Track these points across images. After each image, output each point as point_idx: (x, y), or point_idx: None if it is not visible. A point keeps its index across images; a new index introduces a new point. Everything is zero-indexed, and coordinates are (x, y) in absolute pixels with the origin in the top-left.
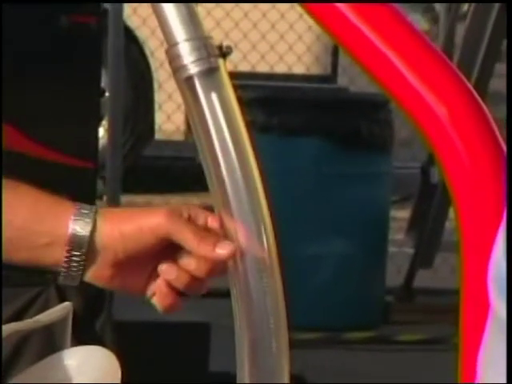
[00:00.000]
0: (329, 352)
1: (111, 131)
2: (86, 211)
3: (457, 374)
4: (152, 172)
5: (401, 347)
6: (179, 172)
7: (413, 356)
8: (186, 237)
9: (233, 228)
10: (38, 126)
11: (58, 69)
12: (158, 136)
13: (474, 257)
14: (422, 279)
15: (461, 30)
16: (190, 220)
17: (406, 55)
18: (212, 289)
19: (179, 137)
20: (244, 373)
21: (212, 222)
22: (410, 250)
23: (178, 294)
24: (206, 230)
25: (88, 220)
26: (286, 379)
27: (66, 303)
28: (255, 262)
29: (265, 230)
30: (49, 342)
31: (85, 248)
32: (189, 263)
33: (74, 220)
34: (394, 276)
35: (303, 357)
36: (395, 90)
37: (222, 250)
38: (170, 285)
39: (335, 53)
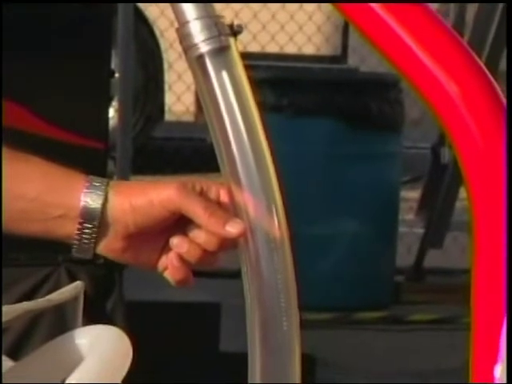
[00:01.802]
0: (339, 332)
1: (121, 112)
2: (97, 184)
3: (468, 353)
4: (162, 153)
5: (411, 327)
6: (189, 153)
7: (423, 336)
8: (196, 211)
9: (244, 205)
10: (48, 106)
11: (68, 50)
12: (167, 117)
13: (486, 236)
14: (432, 259)
15: (471, 8)
16: (202, 193)
17: (418, 33)
18: (222, 269)
19: (189, 118)
20: (255, 351)
21: (224, 196)
22: (420, 230)
23: (190, 267)
24: (218, 204)
25: (100, 193)
26: (297, 357)
27: (78, 282)
28: (266, 240)
29: (276, 209)
30: (60, 321)
31: (97, 220)
32: (200, 237)
33: (86, 192)
34: (405, 256)
35: (313, 337)
36: (406, 68)
37: (232, 228)
38: (181, 258)
39: (345, 33)
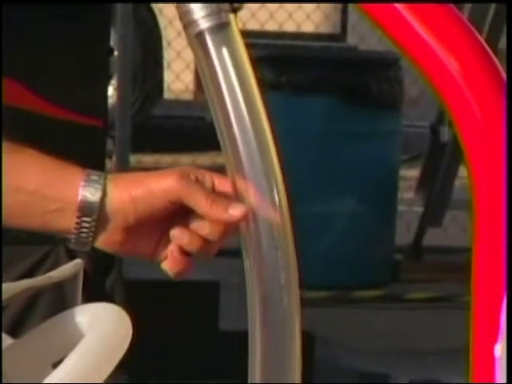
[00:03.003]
0: (338, 310)
1: (120, 90)
2: (95, 177)
3: (467, 331)
4: (161, 131)
5: (410, 305)
6: (188, 131)
7: (422, 314)
8: (197, 200)
9: (244, 188)
10: (47, 84)
11: (67, 28)
12: (166, 95)
13: (486, 214)
14: (432, 237)
15: None
16: (198, 182)
17: (418, 11)
18: (221, 248)
19: (188, 96)
20: (255, 328)
21: (219, 185)
22: (420, 209)
23: (189, 256)
24: (214, 192)
25: (98, 186)
26: (297, 335)
27: (77, 260)
28: (267, 223)
29: (277, 188)
30: (60, 299)
31: (95, 214)
32: (201, 227)
33: (84, 186)
34: (404, 234)
35: (312, 315)
36: (407, 45)
37: (234, 212)
38: (181, 250)
39: (345, 11)
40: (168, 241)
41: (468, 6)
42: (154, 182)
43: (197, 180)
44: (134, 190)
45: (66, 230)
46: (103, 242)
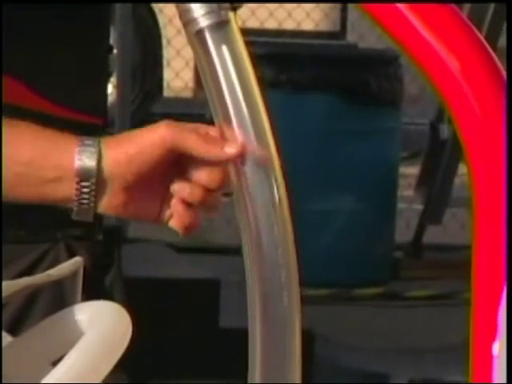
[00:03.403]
0: (338, 308)
1: (119, 88)
2: (89, 142)
3: (468, 328)
4: None
5: (410, 303)
6: None
7: (422, 312)
8: (192, 143)
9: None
10: (47, 82)
11: (67, 26)
12: (166, 93)
13: (486, 212)
14: (431, 235)
15: None
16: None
17: (418, 9)
18: (221, 245)
19: (188, 94)
20: (255, 326)
21: (213, 132)
22: (419, 206)
23: (194, 210)
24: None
25: (93, 150)
26: (298, 333)
27: (77, 258)
28: (267, 212)
29: (277, 184)
30: (59, 297)
31: (94, 178)
32: (200, 177)
33: (80, 152)
34: (404, 232)
35: (312, 313)
36: (407, 43)
37: (230, 148)
38: (185, 202)
39: (344, 9)
40: (171, 199)
41: (467, 5)
42: (146, 135)
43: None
44: (128, 148)
45: (67, 199)
46: (105, 206)
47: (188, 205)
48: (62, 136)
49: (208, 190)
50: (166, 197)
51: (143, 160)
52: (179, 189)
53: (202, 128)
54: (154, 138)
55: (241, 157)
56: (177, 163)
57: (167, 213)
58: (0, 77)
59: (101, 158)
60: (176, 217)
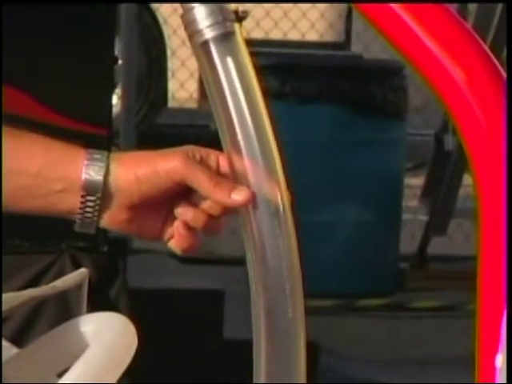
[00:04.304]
0: (343, 319)
1: (124, 98)
2: (98, 156)
3: (474, 340)
4: (165, 140)
5: (415, 314)
6: (192, 140)
7: (427, 323)
8: (201, 182)
9: (244, 169)
10: (52, 93)
11: (72, 36)
12: (171, 104)
13: (491, 223)
14: (436, 246)
15: None
16: (202, 162)
17: (424, 20)
18: (225, 256)
19: (192, 105)
20: (260, 338)
21: (223, 164)
22: (424, 217)
23: (195, 233)
24: (218, 172)
25: (101, 164)
26: (302, 345)
27: (82, 269)
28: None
29: (281, 196)
30: (65, 308)
31: (99, 192)
32: (204, 203)
33: (87, 165)
34: (408, 243)
35: (317, 324)
36: (412, 54)
37: (238, 196)
38: (187, 226)
39: (349, 19)
40: (174, 220)
41: (472, 14)
42: (160, 162)
43: (201, 159)
44: (140, 170)
45: (71, 211)
46: (109, 221)
47: (190, 228)
48: (71, 148)
49: (211, 216)
50: (169, 217)
51: (152, 185)
52: (183, 212)
53: (213, 156)
54: (167, 167)
55: (249, 203)
56: (185, 186)
57: (169, 231)
58: (0, 79)
59: (108, 173)
60: (176, 238)
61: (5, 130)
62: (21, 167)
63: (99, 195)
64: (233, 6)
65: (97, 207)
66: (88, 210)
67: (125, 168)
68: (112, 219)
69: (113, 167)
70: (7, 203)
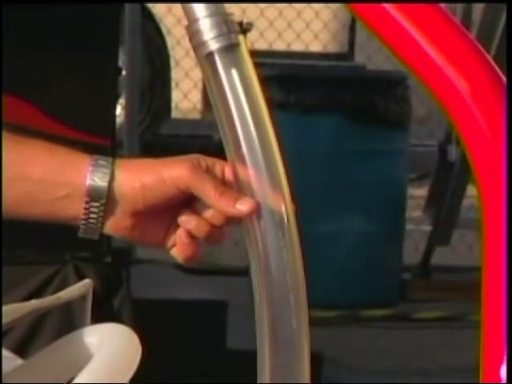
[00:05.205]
0: (346, 330)
1: (128, 109)
2: (103, 162)
3: (478, 350)
4: (168, 150)
5: (418, 325)
6: (196, 150)
7: (430, 333)
8: (206, 191)
9: (248, 180)
10: (55, 103)
11: (75, 47)
12: (174, 114)
13: (495, 233)
14: (440, 256)
15: (478, 7)
16: (208, 170)
17: (427, 30)
18: (228, 267)
19: (196, 115)
20: (264, 349)
21: (229, 174)
22: (428, 228)
23: (198, 242)
24: (223, 181)
25: (106, 170)
26: (306, 355)
27: (86, 280)
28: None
29: (285, 206)
30: (68, 319)
31: (104, 199)
32: (208, 213)
33: (92, 171)
34: (412, 253)
35: (320, 335)
36: (416, 65)
37: (242, 206)
38: (190, 235)
39: (352, 30)
40: (177, 228)
41: (476, 25)
42: (165, 169)
43: (207, 168)
44: (145, 177)
45: (75, 217)
46: (112, 227)
47: (193, 237)
48: (76, 153)
49: (215, 226)
50: (173, 224)
51: (157, 193)
52: (186, 221)
53: (219, 165)
54: (172, 175)
55: (253, 213)
56: (190, 195)
57: (172, 239)
58: (0, 79)
59: (113, 179)
60: (179, 246)
61: (7, 135)
62: (24, 172)
63: (103, 201)
64: (237, 17)
65: (101, 213)
66: (92, 216)
67: (130, 175)
68: (116, 225)
69: (118, 174)
70: (10, 209)
